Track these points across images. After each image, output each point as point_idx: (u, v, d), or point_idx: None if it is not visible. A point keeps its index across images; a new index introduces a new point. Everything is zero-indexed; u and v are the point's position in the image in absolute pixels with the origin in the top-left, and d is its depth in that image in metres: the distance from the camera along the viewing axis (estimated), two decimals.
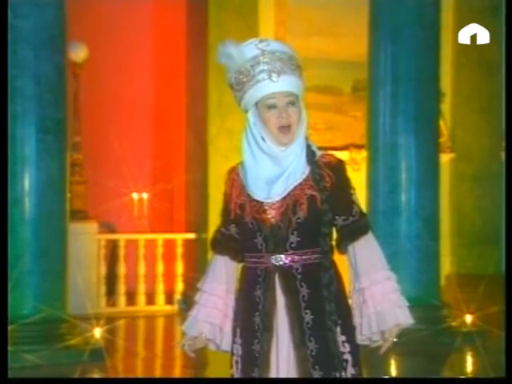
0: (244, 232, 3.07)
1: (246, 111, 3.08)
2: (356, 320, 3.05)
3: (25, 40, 7.16)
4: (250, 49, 3.01)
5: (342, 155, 10.89)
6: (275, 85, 2.99)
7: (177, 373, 7.28)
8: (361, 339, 3.06)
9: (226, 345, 3.15)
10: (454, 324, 8.04)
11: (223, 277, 3.15)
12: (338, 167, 3.06)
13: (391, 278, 3.06)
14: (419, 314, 7.63)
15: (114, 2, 11.85)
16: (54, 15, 7.33)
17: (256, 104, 3.04)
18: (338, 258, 3.11)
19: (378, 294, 3.01)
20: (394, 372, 6.94)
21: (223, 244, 3.14)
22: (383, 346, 3.04)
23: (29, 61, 7.19)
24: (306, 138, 3.08)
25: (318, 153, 3.07)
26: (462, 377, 6.63)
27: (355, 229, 3.04)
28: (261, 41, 3.03)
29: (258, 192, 3.02)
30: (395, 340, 3.04)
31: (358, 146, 11.22)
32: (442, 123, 10.38)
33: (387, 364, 7.13)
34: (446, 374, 6.84)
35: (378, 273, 3.04)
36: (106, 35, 11.75)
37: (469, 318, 7.68)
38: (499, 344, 5.00)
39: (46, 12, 7.26)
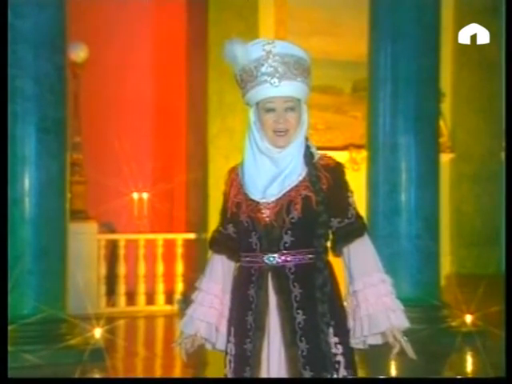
0: (239, 231, 3.07)
1: (250, 106, 3.08)
2: (350, 323, 3.04)
3: (25, 40, 7.15)
4: (255, 49, 2.99)
5: (342, 155, 10.94)
6: (275, 89, 2.98)
7: (177, 373, 7.28)
8: (354, 342, 3.04)
9: (222, 344, 3.16)
10: (453, 324, 8.04)
11: (220, 276, 3.16)
12: (336, 169, 3.05)
13: (386, 281, 3.03)
14: (419, 314, 7.71)
15: (114, 2, 11.85)
16: (53, 15, 7.32)
17: (257, 104, 3.04)
18: (334, 259, 3.10)
19: (371, 296, 2.99)
20: (393, 372, 6.94)
21: (221, 243, 3.15)
22: (393, 350, 3.00)
23: (29, 61, 7.18)
24: (306, 139, 3.08)
25: (317, 155, 3.07)
26: (462, 377, 6.62)
27: (350, 231, 3.03)
28: (268, 42, 3.00)
29: (255, 191, 3.02)
30: (406, 340, 3.01)
31: (358, 146, 11.22)
32: (442, 123, 10.39)
33: (387, 364, 7.13)
34: (446, 374, 6.83)
35: (372, 276, 3.02)
36: (106, 35, 11.75)
37: (469, 318, 7.68)
38: (499, 344, 5.00)
39: (46, 12, 7.25)
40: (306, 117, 3.07)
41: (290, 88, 3.00)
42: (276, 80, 2.97)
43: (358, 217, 3.07)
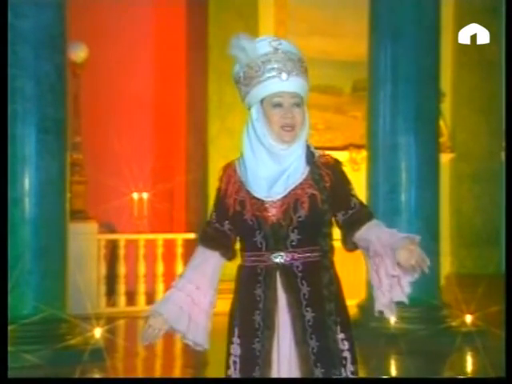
0: (243, 229, 3.06)
1: (249, 107, 3.09)
2: (377, 292, 2.97)
3: (25, 40, 7.16)
4: (263, 45, 3.03)
5: (342, 155, 10.93)
6: (284, 84, 3.01)
7: (177, 373, 7.29)
8: (383, 305, 2.97)
9: (196, 336, 3.10)
10: (454, 324, 8.04)
11: (209, 270, 3.14)
12: (336, 166, 3.07)
13: (396, 232, 3.01)
14: (419, 314, 7.71)
15: (114, 2, 11.85)
16: (53, 15, 7.33)
17: (261, 101, 3.04)
18: (337, 260, 3.10)
19: (386, 239, 2.95)
20: (394, 372, 6.94)
21: (216, 239, 3.13)
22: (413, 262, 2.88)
23: (29, 61, 7.19)
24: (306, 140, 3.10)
25: (316, 153, 3.09)
26: (462, 377, 6.63)
27: (356, 219, 3.03)
28: (274, 39, 3.06)
29: (259, 190, 3.02)
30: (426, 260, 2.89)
31: (358, 146, 11.23)
32: (442, 123, 10.39)
33: (387, 364, 7.13)
34: (446, 373, 6.84)
35: (382, 226, 3.01)
36: (106, 35, 11.76)
37: (469, 318, 7.69)
38: (499, 344, 5.00)
39: (46, 12, 7.26)
40: (308, 116, 3.09)
41: (297, 84, 3.03)
42: (285, 74, 3.01)
43: (363, 206, 3.08)
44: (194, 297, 3.11)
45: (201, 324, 3.12)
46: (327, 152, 3.14)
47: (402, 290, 2.96)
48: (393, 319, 7.47)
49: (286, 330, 3.00)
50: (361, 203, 3.07)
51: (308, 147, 3.08)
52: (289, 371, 2.99)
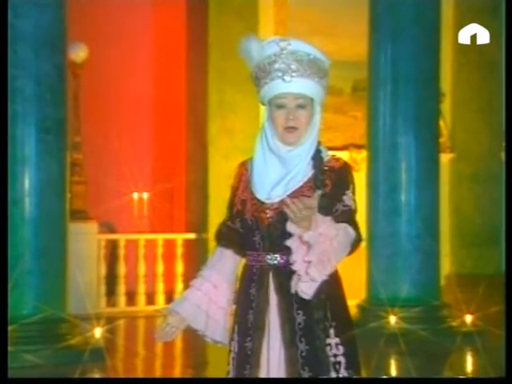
0: (244, 228, 3.07)
1: (264, 105, 3.09)
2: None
3: (25, 40, 7.16)
4: (270, 46, 3.02)
5: (342, 155, 10.92)
6: (286, 85, 2.99)
7: (177, 373, 7.29)
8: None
9: (215, 334, 3.13)
10: (454, 324, 8.04)
11: (225, 269, 3.15)
12: (340, 171, 3.02)
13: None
14: (419, 314, 7.71)
15: (114, 2, 11.85)
16: (53, 15, 7.32)
17: (269, 101, 3.05)
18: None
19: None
20: (394, 372, 6.94)
21: (228, 237, 3.13)
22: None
23: (29, 61, 7.19)
24: (319, 143, 3.06)
25: (326, 158, 3.04)
26: (462, 377, 6.62)
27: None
28: (282, 39, 3.04)
29: (261, 191, 3.02)
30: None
31: (358, 146, 11.22)
32: (441, 123, 10.38)
33: (387, 364, 7.13)
34: (446, 373, 6.83)
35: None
36: (106, 35, 11.75)
37: (469, 318, 7.69)
38: (499, 344, 4.99)
39: (46, 12, 7.26)
40: (319, 118, 3.05)
41: (302, 85, 3.00)
42: (288, 76, 2.99)
43: (343, 212, 2.95)
44: (211, 295, 3.13)
45: (219, 321, 3.13)
46: None
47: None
48: (392, 319, 7.49)
49: (277, 331, 2.99)
50: (343, 211, 2.95)
51: (319, 151, 3.03)
52: (278, 373, 2.98)
